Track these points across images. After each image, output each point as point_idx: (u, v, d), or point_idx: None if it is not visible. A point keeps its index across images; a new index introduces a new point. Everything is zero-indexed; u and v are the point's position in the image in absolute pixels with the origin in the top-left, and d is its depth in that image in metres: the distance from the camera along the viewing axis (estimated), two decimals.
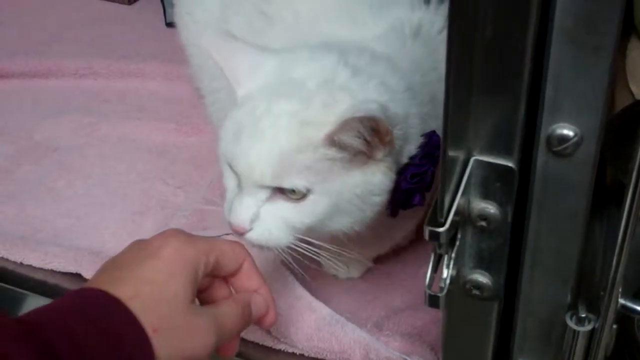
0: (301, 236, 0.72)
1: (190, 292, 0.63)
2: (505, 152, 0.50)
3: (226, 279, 0.70)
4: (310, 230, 0.72)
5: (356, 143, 0.68)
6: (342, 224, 0.73)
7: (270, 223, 0.71)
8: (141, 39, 1.38)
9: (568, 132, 0.47)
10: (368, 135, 0.68)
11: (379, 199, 0.73)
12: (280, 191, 0.71)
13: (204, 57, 0.93)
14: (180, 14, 1.06)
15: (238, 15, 0.90)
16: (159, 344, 0.58)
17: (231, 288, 0.70)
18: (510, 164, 0.50)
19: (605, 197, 0.66)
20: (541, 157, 0.49)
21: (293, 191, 0.70)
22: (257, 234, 0.72)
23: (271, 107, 0.70)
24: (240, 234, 0.72)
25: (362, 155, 0.70)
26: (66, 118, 1.18)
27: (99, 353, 0.55)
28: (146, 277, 0.61)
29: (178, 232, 0.65)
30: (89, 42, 1.38)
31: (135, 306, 0.58)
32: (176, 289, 0.61)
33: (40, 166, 1.10)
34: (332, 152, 0.69)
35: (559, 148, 0.48)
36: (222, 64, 0.74)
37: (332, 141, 0.68)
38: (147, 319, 0.58)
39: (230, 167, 0.72)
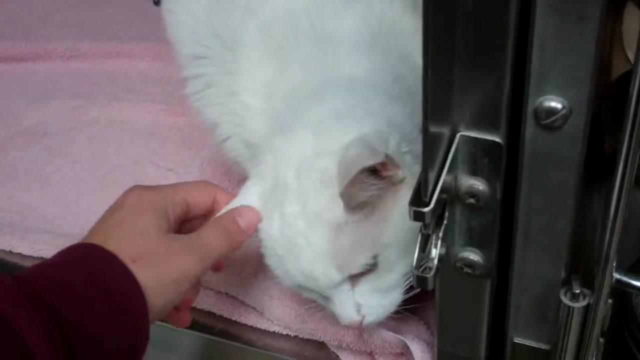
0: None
1: (164, 224, 0.65)
2: (492, 127, 0.49)
3: (206, 218, 0.71)
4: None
5: (370, 191, 0.64)
6: None
7: (374, 300, 0.69)
8: (130, 18, 1.36)
9: (556, 104, 0.46)
10: (372, 178, 0.63)
11: None
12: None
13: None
14: (165, 11, 1.03)
15: (220, 20, 0.85)
16: (141, 271, 0.60)
17: None
18: (497, 139, 0.49)
19: (604, 168, 0.64)
20: (529, 130, 0.48)
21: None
22: (371, 316, 0.70)
23: (283, 220, 0.67)
24: (359, 326, 0.71)
25: (387, 186, 0.65)
26: (54, 102, 1.17)
27: (84, 292, 0.57)
28: (114, 222, 0.64)
29: (141, 185, 0.68)
30: (77, 24, 1.35)
31: (111, 246, 0.61)
32: (146, 222, 0.64)
33: (29, 152, 1.09)
34: (359, 213, 0.65)
35: (547, 121, 0.47)
36: None
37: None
38: (124, 253, 0.61)
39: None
